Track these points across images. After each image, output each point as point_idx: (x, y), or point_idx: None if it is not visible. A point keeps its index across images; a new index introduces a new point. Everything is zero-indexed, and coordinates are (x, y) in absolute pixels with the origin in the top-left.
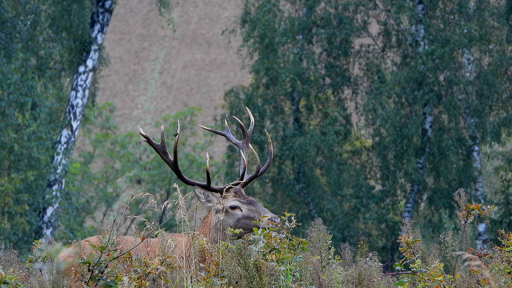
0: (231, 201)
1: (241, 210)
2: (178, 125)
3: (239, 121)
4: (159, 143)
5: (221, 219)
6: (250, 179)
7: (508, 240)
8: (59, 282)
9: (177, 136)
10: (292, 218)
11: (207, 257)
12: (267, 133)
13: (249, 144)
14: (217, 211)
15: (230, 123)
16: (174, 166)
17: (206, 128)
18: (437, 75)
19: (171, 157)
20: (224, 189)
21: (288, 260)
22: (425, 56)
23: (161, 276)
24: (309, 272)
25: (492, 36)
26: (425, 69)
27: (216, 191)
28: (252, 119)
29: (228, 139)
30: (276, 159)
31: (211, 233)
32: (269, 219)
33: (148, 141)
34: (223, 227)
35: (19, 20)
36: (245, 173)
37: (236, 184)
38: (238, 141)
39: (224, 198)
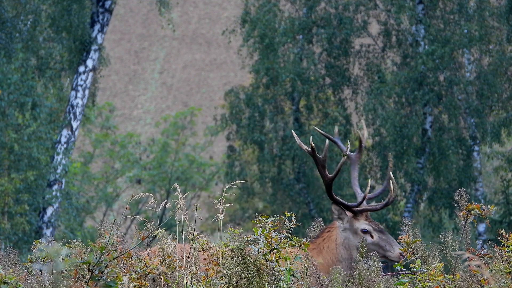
0: (363, 224)
1: (372, 237)
2: (348, 146)
3: (360, 134)
4: (321, 156)
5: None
6: (386, 204)
7: (508, 240)
8: (59, 282)
9: (345, 157)
10: (292, 218)
11: (207, 257)
12: (391, 158)
13: (391, 174)
14: (345, 230)
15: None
16: (329, 182)
17: (320, 131)
18: (437, 75)
19: (327, 173)
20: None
21: (288, 260)
22: (425, 56)
23: (161, 276)
24: (309, 272)
25: (492, 36)
26: (425, 69)
27: (354, 212)
28: (366, 134)
29: (339, 147)
30: (276, 159)
31: (338, 250)
32: (400, 253)
33: (313, 152)
34: (350, 246)
35: (19, 20)
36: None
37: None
38: (351, 153)
39: (356, 219)
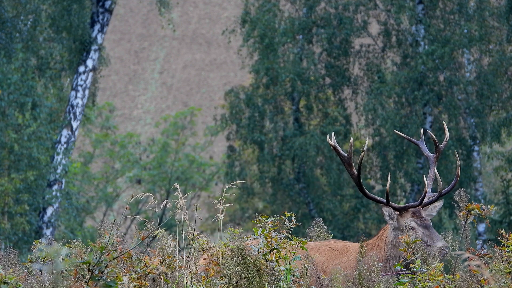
0: (408, 221)
1: (416, 232)
2: (367, 142)
3: (432, 135)
4: (346, 155)
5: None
6: (430, 202)
7: (508, 240)
8: (59, 282)
9: (363, 152)
10: (292, 218)
11: (207, 257)
12: (457, 155)
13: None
14: (394, 228)
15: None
16: (357, 179)
17: (401, 135)
18: (437, 75)
19: (355, 170)
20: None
21: (288, 260)
22: (425, 56)
23: (161, 276)
24: (309, 272)
25: (492, 36)
26: (425, 69)
27: (394, 208)
28: (447, 134)
29: (420, 149)
30: (276, 159)
31: (386, 248)
32: (439, 247)
33: (336, 151)
34: (400, 244)
35: (19, 20)
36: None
37: (415, 205)
38: (430, 154)
39: (402, 216)
